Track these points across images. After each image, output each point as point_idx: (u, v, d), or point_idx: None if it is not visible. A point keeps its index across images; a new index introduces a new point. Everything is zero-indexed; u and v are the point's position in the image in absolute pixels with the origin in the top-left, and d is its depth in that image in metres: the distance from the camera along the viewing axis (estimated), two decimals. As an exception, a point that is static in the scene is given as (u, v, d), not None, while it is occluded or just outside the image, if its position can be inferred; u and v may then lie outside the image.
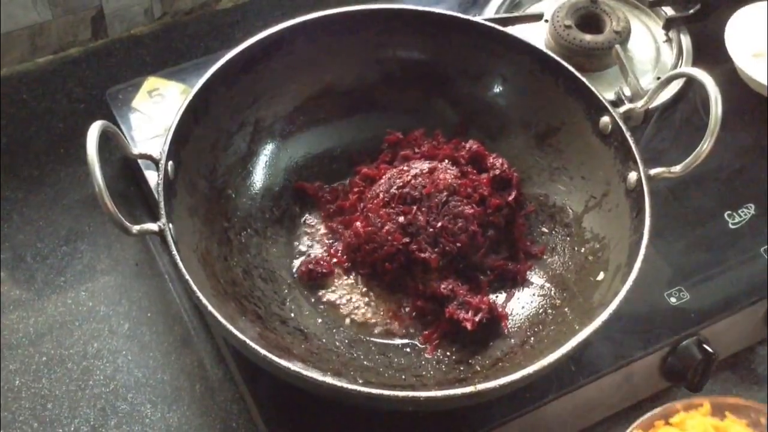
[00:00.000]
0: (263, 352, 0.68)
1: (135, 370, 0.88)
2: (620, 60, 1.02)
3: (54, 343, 0.89)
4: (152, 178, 0.89)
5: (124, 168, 1.01)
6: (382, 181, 0.87)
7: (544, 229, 0.90)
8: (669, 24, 1.10)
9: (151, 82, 1.01)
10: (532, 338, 0.81)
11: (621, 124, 0.83)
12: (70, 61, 1.08)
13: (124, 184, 1.00)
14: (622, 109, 0.85)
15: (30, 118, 1.04)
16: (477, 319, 0.81)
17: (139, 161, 0.92)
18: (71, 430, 0.84)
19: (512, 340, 0.82)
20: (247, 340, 0.69)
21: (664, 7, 1.12)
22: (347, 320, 0.84)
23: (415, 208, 0.83)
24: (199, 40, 1.12)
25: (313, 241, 0.90)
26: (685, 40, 1.09)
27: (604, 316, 0.72)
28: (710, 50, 1.07)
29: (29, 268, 0.94)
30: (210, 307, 0.70)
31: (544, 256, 0.88)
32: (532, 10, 1.12)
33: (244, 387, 0.83)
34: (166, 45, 1.11)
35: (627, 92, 1.00)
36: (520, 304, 0.85)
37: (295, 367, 0.68)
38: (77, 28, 1.07)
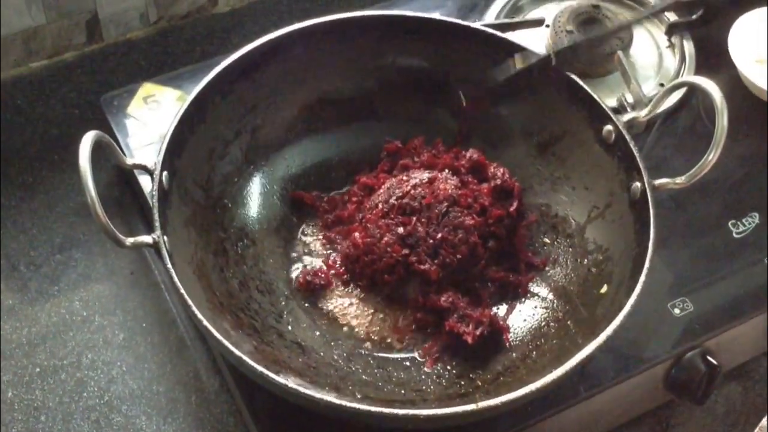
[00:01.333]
0: (259, 368, 0.67)
1: (130, 382, 0.86)
2: (622, 66, 1.01)
3: (48, 354, 0.87)
4: (147, 184, 0.87)
5: (119, 175, 0.99)
6: (381, 191, 0.86)
7: (546, 240, 0.88)
8: (672, 29, 1.09)
9: (147, 88, 0.99)
10: (534, 352, 0.80)
11: (624, 133, 0.82)
12: (64, 65, 1.07)
13: (119, 191, 0.99)
14: (625, 118, 0.84)
15: (24, 123, 1.03)
16: (477, 332, 0.80)
17: (135, 170, 0.91)
18: (65, 443, 0.83)
19: (514, 354, 0.81)
20: (243, 356, 0.68)
21: (666, 13, 1.11)
22: (346, 333, 0.83)
23: (414, 219, 0.82)
24: (195, 45, 1.11)
25: (311, 252, 0.88)
26: (688, 46, 1.08)
27: (609, 331, 0.71)
28: (713, 56, 1.07)
29: (22, 276, 0.93)
30: (205, 322, 0.69)
31: (546, 268, 0.87)
32: (533, 15, 1.10)
33: (240, 399, 0.81)
34: (161, 50, 1.10)
35: (629, 99, 0.99)
36: (522, 317, 0.84)
37: (292, 384, 0.67)
38: (72, 33, 1.06)
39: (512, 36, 0.91)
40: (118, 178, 1.00)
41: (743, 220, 0.94)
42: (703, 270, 0.91)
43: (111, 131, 0.95)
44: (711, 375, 0.84)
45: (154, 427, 0.84)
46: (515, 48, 0.88)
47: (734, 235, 0.93)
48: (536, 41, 1.04)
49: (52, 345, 0.88)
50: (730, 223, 0.94)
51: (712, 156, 0.75)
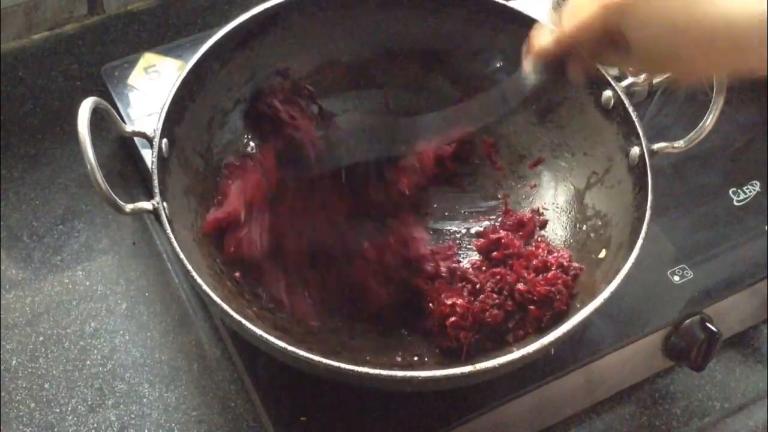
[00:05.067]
0: (259, 332, 0.68)
1: (133, 350, 0.87)
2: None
3: (51, 323, 0.88)
4: (148, 156, 0.87)
5: (121, 146, 1.00)
6: None
7: (545, 207, 0.88)
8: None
9: (148, 58, 0.99)
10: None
11: (623, 98, 0.81)
12: (66, 37, 1.07)
13: (121, 163, 0.99)
14: (624, 83, 0.84)
15: (26, 95, 1.03)
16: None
17: (135, 139, 0.91)
18: (68, 410, 0.83)
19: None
20: (243, 320, 0.68)
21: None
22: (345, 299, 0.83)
23: None
24: (196, 16, 1.11)
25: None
26: (691, 14, 1.07)
27: (606, 294, 0.71)
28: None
29: (26, 247, 0.93)
30: (204, 286, 0.69)
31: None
32: (534, -19, 1.09)
33: (242, 367, 0.82)
34: (163, 21, 1.10)
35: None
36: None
37: (291, 347, 0.67)
38: (73, 4, 1.06)
39: (513, 3, 0.90)
40: (120, 151, 1.00)
41: (744, 189, 0.94)
42: (704, 238, 0.90)
43: (112, 102, 0.95)
44: (710, 342, 0.84)
45: (156, 394, 0.84)
46: (514, 15, 0.87)
47: (735, 203, 0.93)
48: (538, 9, 1.03)
49: (56, 314, 0.89)
50: (730, 191, 0.94)
51: (710, 119, 0.75)
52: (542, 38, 0.72)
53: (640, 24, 0.64)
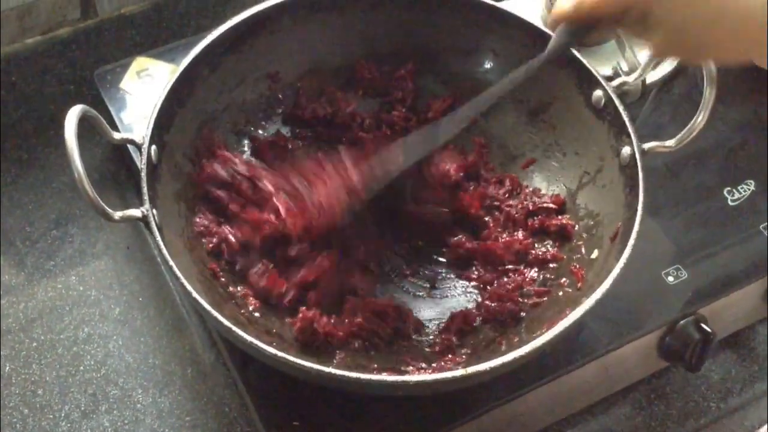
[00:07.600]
0: (249, 338, 0.67)
1: (126, 355, 0.87)
2: (617, 34, 1.00)
3: (44, 329, 0.88)
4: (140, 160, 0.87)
5: (115, 150, 0.99)
6: None
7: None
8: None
9: (140, 62, 0.99)
10: (525, 319, 0.80)
11: (614, 97, 0.81)
12: (59, 41, 1.06)
13: (115, 166, 0.99)
14: (615, 83, 0.83)
15: (19, 100, 1.03)
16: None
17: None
18: (62, 416, 0.83)
19: (505, 322, 0.80)
20: (232, 326, 0.68)
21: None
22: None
23: None
24: (189, 19, 1.10)
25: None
26: (686, 13, 1.07)
27: (598, 294, 0.70)
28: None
29: (18, 252, 0.93)
30: (194, 293, 0.69)
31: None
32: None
33: (236, 372, 0.82)
34: (156, 24, 1.09)
35: (624, 67, 0.97)
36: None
37: (281, 353, 0.67)
38: (66, 8, 1.05)
39: (505, 4, 0.90)
40: (114, 154, 1.00)
41: (738, 188, 0.94)
42: (698, 238, 0.90)
43: (105, 106, 0.95)
44: (705, 342, 0.84)
45: (150, 399, 0.84)
46: (504, 16, 0.87)
47: (729, 202, 0.93)
48: (530, 10, 1.03)
49: (49, 320, 0.89)
50: (725, 191, 0.93)
51: (701, 117, 0.74)
52: (563, 2, 0.70)
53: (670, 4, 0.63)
